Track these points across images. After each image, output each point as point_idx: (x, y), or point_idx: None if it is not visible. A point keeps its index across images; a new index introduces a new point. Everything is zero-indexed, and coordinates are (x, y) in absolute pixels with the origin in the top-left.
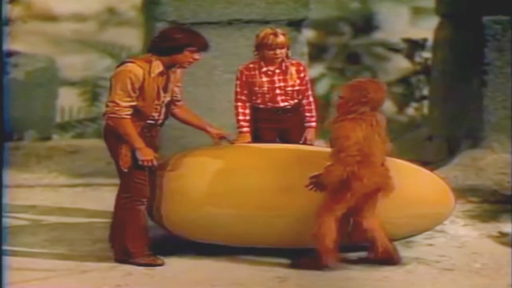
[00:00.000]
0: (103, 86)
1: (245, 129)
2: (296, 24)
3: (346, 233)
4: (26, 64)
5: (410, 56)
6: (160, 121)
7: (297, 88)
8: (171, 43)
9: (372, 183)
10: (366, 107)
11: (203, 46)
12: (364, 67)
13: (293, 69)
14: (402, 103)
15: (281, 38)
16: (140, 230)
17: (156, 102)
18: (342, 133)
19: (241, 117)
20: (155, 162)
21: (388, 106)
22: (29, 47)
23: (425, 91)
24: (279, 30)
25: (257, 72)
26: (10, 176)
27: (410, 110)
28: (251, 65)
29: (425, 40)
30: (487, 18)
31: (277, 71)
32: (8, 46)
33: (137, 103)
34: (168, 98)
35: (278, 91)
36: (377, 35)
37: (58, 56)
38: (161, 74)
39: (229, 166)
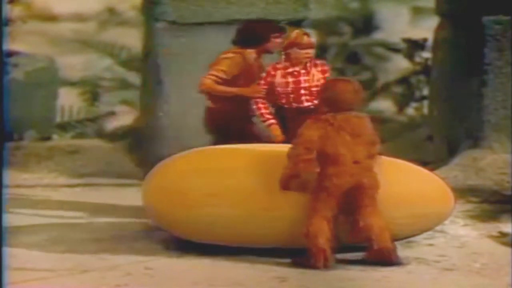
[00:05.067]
0: (103, 86)
1: (272, 121)
2: (296, 24)
3: (342, 232)
4: (26, 64)
5: (410, 56)
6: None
7: None
8: (260, 35)
9: (344, 182)
10: (325, 106)
11: (281, 30)
12: (364, 67)
13: (317, 69)
14: (402, 103)
15: (313, 39)
16: None
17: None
18: (299, 131)
19: (263, 111)
20: (263, 92)
21: (388, 106)
22: (29, 47)
23: (425, 91)
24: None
25: (282, 73)
26: (10, 176)
27: (410, 110)
28: (278, 66)
29: (425, 40)
30: (487, 18)
31: (303, 71)
32: (8, 46)
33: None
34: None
35: (303, 91)
36: (377, 35)
37: (58, 56)
38: (256, 60)
39: (228, 166)
